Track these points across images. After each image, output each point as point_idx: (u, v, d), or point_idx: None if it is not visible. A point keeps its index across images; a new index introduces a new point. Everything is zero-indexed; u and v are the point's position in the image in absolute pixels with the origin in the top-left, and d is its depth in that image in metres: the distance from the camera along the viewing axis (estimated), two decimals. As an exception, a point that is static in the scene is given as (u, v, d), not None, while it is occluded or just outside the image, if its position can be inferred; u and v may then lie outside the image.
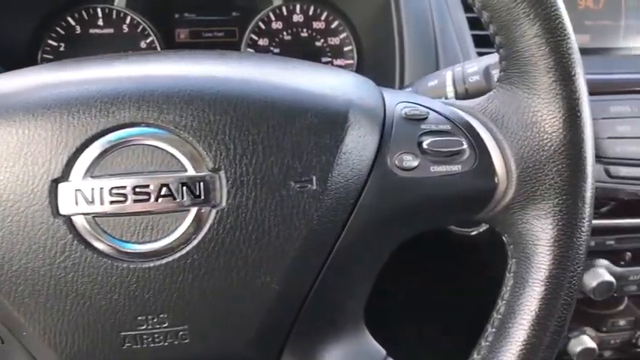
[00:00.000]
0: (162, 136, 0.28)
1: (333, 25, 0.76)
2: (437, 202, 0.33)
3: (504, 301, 0.34)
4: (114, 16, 0.72)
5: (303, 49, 0.76)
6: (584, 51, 0.66)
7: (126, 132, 0.28)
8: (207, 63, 0.32)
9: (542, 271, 0.33)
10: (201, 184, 0.28)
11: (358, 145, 0.30)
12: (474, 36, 0.59)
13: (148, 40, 0.73)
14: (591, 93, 0.59)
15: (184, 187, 0.27)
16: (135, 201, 0.27)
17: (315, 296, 0.31)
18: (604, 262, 0.61)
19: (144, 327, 0.28)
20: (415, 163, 0.32)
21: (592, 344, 0.65)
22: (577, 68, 0.33)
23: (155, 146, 0.28)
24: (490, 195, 0.34)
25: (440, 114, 0.35)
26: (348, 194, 0.30)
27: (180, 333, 0.29)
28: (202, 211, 0.28)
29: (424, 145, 0.32)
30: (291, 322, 0.31)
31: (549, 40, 0.32)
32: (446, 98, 0.47)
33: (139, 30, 0.73)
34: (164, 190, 0.27)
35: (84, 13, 0.71)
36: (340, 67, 0.77)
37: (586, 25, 0.66)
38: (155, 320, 0.28)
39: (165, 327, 0.29)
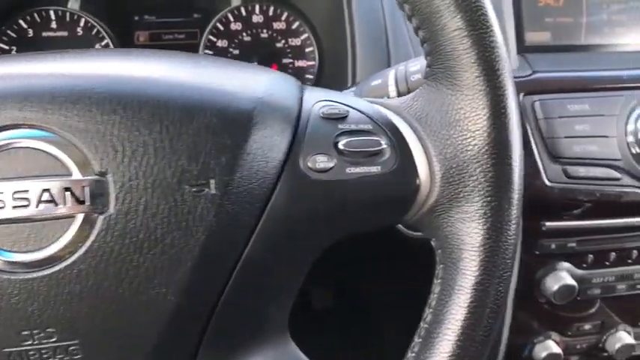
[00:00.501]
0: (45, 138, 0.26)
1: (294, 26, 0.74)
2: (355, 205, 0.32)
3: (431, 310, 0.32)
4: (67, 18, 0.70)
5: (264, 50, 0.74)
6: (544, 49, 0.65)
7: (6, 134, 0.26)
8: (105, 61, 0.30)
9: (468, 278, 0.31)
10: (87, 188, 0.26)
11: (264, 146, 0.29)
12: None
13: (103, 43, 0.72)
14: (549, 91, 0.58)
15: (67, 192, 0.26)
16: (14, 207, 0.25)
17: (224, 307, 0.30)
18: (566, 265, 0.59)
19: (29, 342, 0.27)
20: (330, 165, 0.30)
21: (557, 349, 0.63)
22: (501, 63, 0.31)
23: (38, 149, 0.26)
24: (412, 197, 0.32)
25: (362, 113, 0.33)
26: (254, 198, 0.28)
27: (71, 348, 0.27)
28: (89, 217, 0.26)
29: (340, 146, 0.31)
30: (197, 334, 0.30)
31: (471, 33, 0.30)
32: (388, 97, 0.45)
33: (93, 32, 0.71)
34: (45, 196, 0.26)
35: (36, 15, 0.70)
36: (302, 68, 0.75)
37: (546, 22, 0.64)
38: (42, 335, 0.27)
39: (53, 342, 0.27)
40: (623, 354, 0.64)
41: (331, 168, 0.30)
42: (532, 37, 0.63)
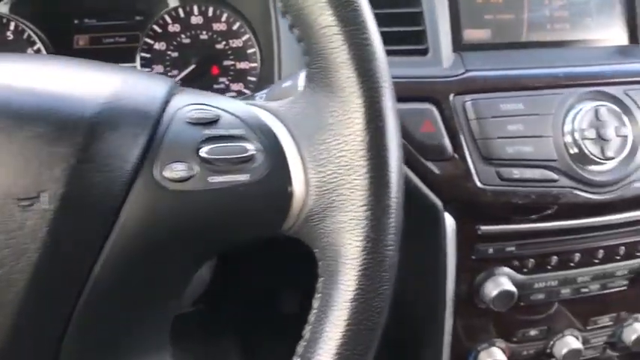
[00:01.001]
0: None
1: (235, 27, 0.72)
2: (222, 216, 0.29)
3: (310, 326, 0.30)
4: (-4, 22, 0.68)
5: (203, 52, 0.72)
6: (483, 47, 0.63)
7: None
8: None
9: (342, 293, 0.29)
10: None
11: (110, 154, 0.27)
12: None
13: (35, 47, 0.69)
14: (482, 91, 0.57)
15: None
16: None
17: (79, 327, 0.27)
18: (505, 270, 0.57)
19: None
20: (190, 174, 0.28)
21: (502, 356, 0.61)
22: (375, 62, 0.29)
23: None
24: (286, 206, 0.30)
25: (236, 116, 0.31)
26: (99, 212, 0.26)
27: None
28: None
29: (203, 153, 0.29)
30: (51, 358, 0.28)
31: (341, 31, 0.28)
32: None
33: (24, 37, 0.69)
34: None
35: (-37, 19, 0.67)
36: (244, 70, 0.73)
37: (486, 19, 0.62)
38: None
39: None
40: (571, 359, 0.62)
41: (191, 177, 0.28)
42: (470, 34, 0.62)
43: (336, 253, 0.29)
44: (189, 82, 0.72)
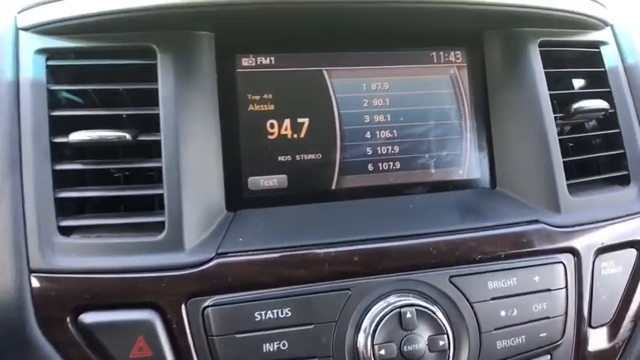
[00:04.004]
0: None
1: None
2: None
3: None
4: None
5: None
6: (273, 199, 0.47)
7: None
8: None
9: None
10: None
11: None
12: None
13: None
14: (235, 288, 0.39)
15: None
16: None
17: None
18: None
19: None
20: None
21: None
22: None
23: None
24: None
25: None
26: None
27: None
28: None
29: None
30: None
31: None
32: None
33: None
34: None
35: None
36: None
37: (280, 162, 0.46)
38: None
39: None
40: None
41: None
42: (257, 183, 0.45)
43: None
44: None
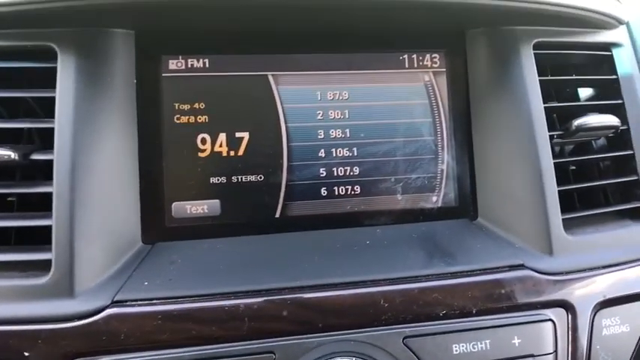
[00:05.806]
0: None
1: None
2: None
3: None
4: None
5: None
6: (199, 231, 0.38)
7: None
8: None
9: None
10: None
11: None
12: None
13: None
14: (123, 349, 0.32)
15: None
16: None
17: None
18: None
19: None
20: None
21: None
22: None
23: None
24: None
25: None
26: None
27: None
28: None
29: None
30: None
31: None
32: None
33: None
34: None
35: None
36: None
37: (212, 185, 0.38)
38: None
39: None
40: None
41: None
42: (182, 210, 0.37)
43: None
44: None
